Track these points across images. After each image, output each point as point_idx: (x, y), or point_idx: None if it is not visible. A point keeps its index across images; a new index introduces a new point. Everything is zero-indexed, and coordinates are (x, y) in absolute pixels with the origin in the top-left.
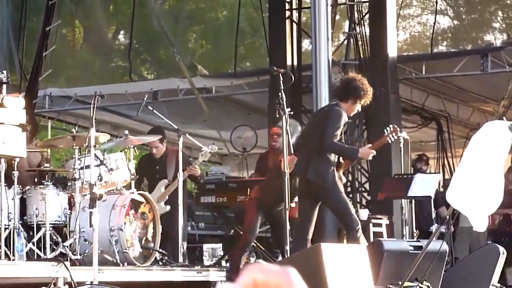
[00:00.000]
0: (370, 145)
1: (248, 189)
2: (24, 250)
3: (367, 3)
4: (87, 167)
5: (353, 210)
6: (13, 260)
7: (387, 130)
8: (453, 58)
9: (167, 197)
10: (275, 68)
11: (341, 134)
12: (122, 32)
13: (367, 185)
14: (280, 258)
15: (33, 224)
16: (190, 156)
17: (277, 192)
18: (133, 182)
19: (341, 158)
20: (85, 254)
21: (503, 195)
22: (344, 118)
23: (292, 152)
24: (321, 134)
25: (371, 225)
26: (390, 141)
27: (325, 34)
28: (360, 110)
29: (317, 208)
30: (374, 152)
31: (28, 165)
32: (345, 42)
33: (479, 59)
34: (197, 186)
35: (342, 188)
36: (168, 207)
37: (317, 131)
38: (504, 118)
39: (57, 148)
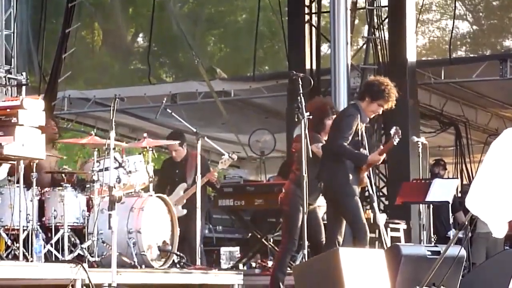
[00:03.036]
0: (380, 149)
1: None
2: (42, 252)
3: (386, 8)
4: (106, 169)
5: (362, 218)
6: (31, 261)
7: (390, 133)
8: (472, 63)
9: (184, 201)
10: (294, 72)
11: (359, 136)
12: (141, 34)
13: (385, 190)
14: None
15: (52, 226)
16: (209, 160)
17: None
18: (151, 185)
19: None
20: (103, 256)
21: None
22: (358, 118)
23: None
24: (332, 136)
25: (388, 230)
26: (395, 144)
27: (344, 38)
28: (380, 112)
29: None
30: (383, 156)
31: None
32: (364, 46)
33: (498, 65)
34: (215, 190)
35: (355, 192)
36: (185, 211)
37: (331, 133)
38: None
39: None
